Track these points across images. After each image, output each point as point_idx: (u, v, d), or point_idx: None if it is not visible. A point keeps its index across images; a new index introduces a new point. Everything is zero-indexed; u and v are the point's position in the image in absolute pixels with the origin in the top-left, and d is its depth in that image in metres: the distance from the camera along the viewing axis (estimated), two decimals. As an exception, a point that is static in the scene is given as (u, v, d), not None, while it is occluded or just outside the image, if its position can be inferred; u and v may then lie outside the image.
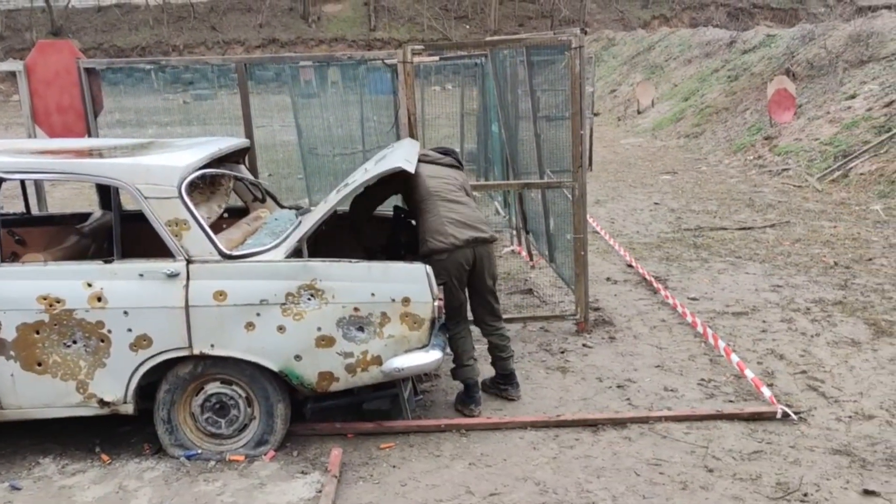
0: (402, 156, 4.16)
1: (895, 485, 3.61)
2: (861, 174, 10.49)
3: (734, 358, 4.97)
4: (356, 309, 3.78)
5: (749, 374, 4.73)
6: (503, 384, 4.65)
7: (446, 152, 4.80)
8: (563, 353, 5.30)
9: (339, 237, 4.93)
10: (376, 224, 4.96)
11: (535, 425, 4.24)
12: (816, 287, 6.53)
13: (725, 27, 27.26)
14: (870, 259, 7.28)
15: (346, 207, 4.58)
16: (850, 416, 4.29)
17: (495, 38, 12.37)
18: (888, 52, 13.28)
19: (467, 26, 42.09)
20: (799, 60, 15.54)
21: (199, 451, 3.93)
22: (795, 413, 4.29)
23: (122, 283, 3.74)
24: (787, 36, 17.67)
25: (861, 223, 8.70)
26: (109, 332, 3.73)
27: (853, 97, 12.72)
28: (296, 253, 3.97)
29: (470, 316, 4.63)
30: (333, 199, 4.02)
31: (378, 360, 3.84)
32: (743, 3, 42.10)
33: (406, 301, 3.81)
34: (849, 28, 14.81)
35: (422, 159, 4.59)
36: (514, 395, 4.60)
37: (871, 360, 5.03)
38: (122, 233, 3.92)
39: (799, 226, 8.73)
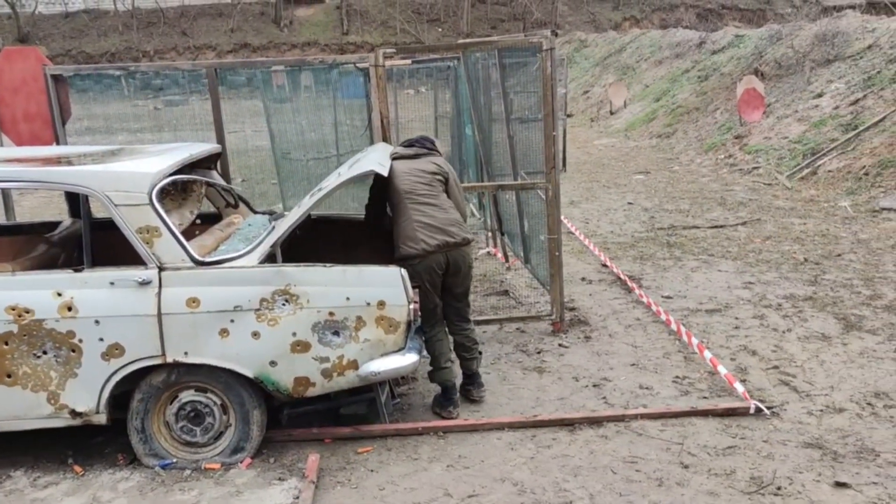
0: (376, 159, 4.17)
1: (866, 476, 3.67)
2: (829, 171, 10.66)
3: (707, 355, 5.02)
4: (331, 313, 3.77)
5: (722, 370, 4.79)
6: (466, 384, 4.66)
7: (412, 143, 4.72)
8: (539, 353, 5.32)
9: (314, 242, 4.91)
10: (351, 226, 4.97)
11: (513, 426, 4.26)
12: (787, 283, 6.63)
13: (695, 28, 27.56)
14: (839, 255, 7.40)
15: (320, 212, 4.57)
16: (821, 410, 4.35)
17: (467, 40, 12.40)
18: (853, 52, 13.52)
19: (440, 29, 42.16)
20: (767, 60, 15.76)
21: (175, 461, 3.89)
22: (768, 408, 4.34)
23: (93, 292, 3.70)
24: (756, 36, 17.91)
25: (830, 220, 8.84)
26: (80, 341, 3.68)
27: (820, 96, 12.93)
28: (270, 258, 3.95)
29: None
30: (307, 204, 4.01)
31: (354, 365, 3.83)
32: (711, 4, 42.61)
33: (381, 304, 3.81)
34: (815, 28, 15.04)
35: (393, 157, 4.58)
36: (476, 396, 4.60)
37: (841, 354, 5.12)
38: (93, 241, 3.88)
39: (770, 223, 8.85)
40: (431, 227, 4.30)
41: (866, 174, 9.99)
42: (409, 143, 4.71)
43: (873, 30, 13.79)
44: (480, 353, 4.74)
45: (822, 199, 9.84)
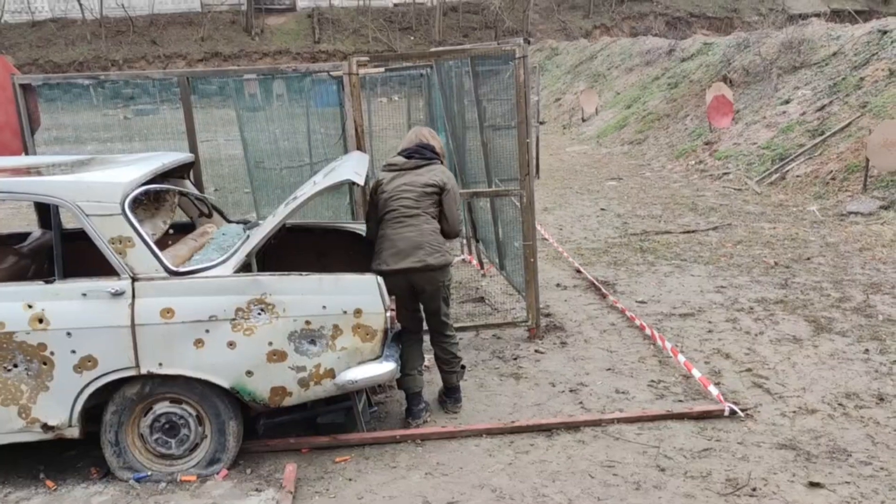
0: (352, 168, 4.16)
1: (838, 476, 3.73)
2: (797, 176, 10.84)
3: (682, 358, 5.08)
4: (308, 322, 3.75)
5: (697, 373, 4.84)
6: (444, 396, 4.66)
7: (410, 154, 4.52)
8: (515, 359, 5.34)
9: (289, 250, 4.89)
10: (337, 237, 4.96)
11: (491, 432, 4.26)
12: (758, 287, 6.72)
13: (664, 36, 27.92)
14: (808, 258, 7.52)
15: (294, 220, 4.55)
16: (793, 412, 4.42)
17: (440, 48, 12.44)
18: (819, 59, 13.78)
19: (412, 37, 42.25)
20: (735, 67, 16.01)
21: (149, 473, 3.84)
22: (742, 410, 4.40)
23: (65, 304, 3.64)
24: (724, 44, 18.18)
25: (799, 224, 8.99)
26: (52, 354, 3.63)
27: (787, 102, 13.16)
28: (245, 267, 3.93)
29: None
30: (282, 213, 3.98)
31: (331, 373, 3.82)
32: (680, 13, 43.20)
33: (358, 312, 3.80)
34: (781, 36, 15.30)
35: (385, 168, 4.54)
36: (451, 409, 4.58)
37: (812, 356, 5.20)
38: (64, 252, 3.82)
39: (740, 228, 8.97)
40: (397, 249, 4.26)
41: (833, 179, 10.18)
42: (409, 154, 4.52)
43: (838, 37, 14.08)
44: (463, 367, 4.70)
45: (791, 204, 10.00)
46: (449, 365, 4.57)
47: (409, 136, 4.71)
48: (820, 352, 5.25)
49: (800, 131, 11.93)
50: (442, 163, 4.62)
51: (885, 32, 12.84)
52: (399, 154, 4.59)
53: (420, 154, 4.52)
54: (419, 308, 4.50)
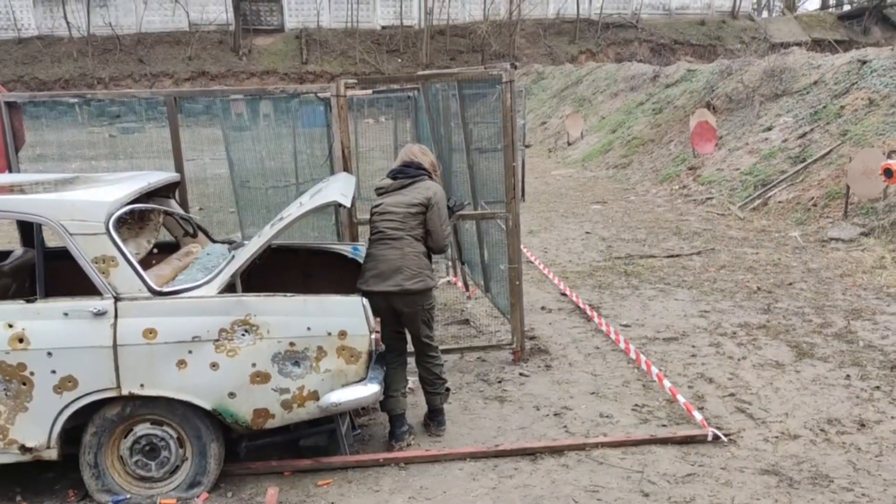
0: (339, 189, 4.16)
1: (820, 502, 3.74)
2: (780, 202, 10.96)
3: (666, 383, 5.09)
4: (292, 343, 3.73)
5: (681, 398, 4.85)
6: (428, 418, 4.64)
7: (395, 174, 4.53)
8: (500, 382, 5.33)
9: (274, 271, 4.87)
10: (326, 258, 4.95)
11: (475, 456, 4.24)
12: (741, 312, 6.76)
13: (649, 62, 28.24)
14: (790, 284, 7.59)
15: (280, 241, 4.54)
16: (776, 437, 4.43)
17: (427, 71, 12.53)
18: (800, 87, 13.99)
19: (399, 60, 42.48)
20: (718, 94, 16.22)
21: (129, 496, 3.79)
22: (725, 435, 4.41)
23: (46, 323, 3.61)
24: (707, 71, 18.42)
25: (781, 249, 9.07)
26: (32, 374, 3.58)
27: (770, 129, 13.33)
28: (229, 288, 3.91)
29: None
30: (268, 234, 3.97)
31: (315, 396, 3.79)
32: (664, 40, 43.75)
33: (342, 334, 3.78)
34: (763, 64, 15.53)
35: (376, 191, 4.57)
36: (434, 432, 4.56)
37: (795, 381, 5.22)
38: (46, 271, 3.79)
39: (723, 253, 9.04)
40: (378, 270, 4.29)
41: (815, 205, 10.30)
42: (394, 175, 4.54)
43: (818, 66, 14.30)
44: (448, 389, 4.69)
45: (774, 230, 10.10)
46: (433, 386, 4.55)
47: (399, 156, 4.74)
48: (802, 377, 5.28)
49: (782, 158, 12.08)
50: (433, 177, 4.61)
51: (864, 62, 13.07)
52: (387, 176, 4.62)
53: (404, 173, 4.52)
54: (402, 329, 4.50)
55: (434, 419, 4.60)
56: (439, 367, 4.58)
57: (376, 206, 4.50)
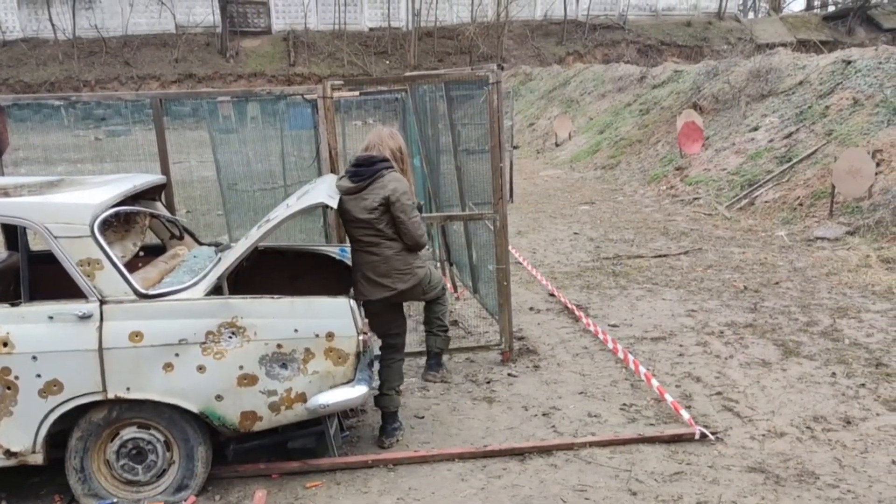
0: (325, 191, 4.15)
1: (807, 499, 3.76)
2: (766, 202, 11.02)
3: (654, 382, 5.11)
4: (279, 345, 3.73)
5: (668, 397, 4.87)
6: (427, 365, 5.37)
7: (350, 175, 4.32)
8: (488, 383, 5.34)
9: (261, 273, 4.86)
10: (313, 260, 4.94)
11: (463, 457, 4.24)
12: (728, 311, 6.80)
13: (636, 63, 28.34)
14: (776, 283, 7.63)
15: (266, 243, 4.52)
16: (763, 435, 4.46)
17: (415, 73, 12.52)
18: (785, 87, 14.09)
19: (387, 61, 42.46)
20: (705, 95, 16.30)
21: (115, 500, 3.77)
22: (713, 433, 4.43)
23: (31, 327, 3.58)
24: (694, 72, 18.52)
25: (767, 248, 9.13)
26: (16, 378, 3.55)
27: (756, 129, 13.41)
28: (216, 290, 3.89)
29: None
30: (255, 236, 3.96)
31: (302, 397, 3.78)
32: (651, 41, 43.93)
33: (330, 336, 3.78)
34: (749, 64, 15.63)
35: (338, 189, 4.37)
36: (427, 377, 5.32)
37: (781, 379, 5.26)
38: (31, 274, 3.76)
39: (710, 252, 9.09)
40: (368, 279, 4.31)
41: (801, 205, 10.37)
42: (351, 175, 4.32)
43: (804, 67, 14.41)
44: (448, 337, 5.26)
45: (760, 229, 10.16)
46: (431, 325, 5.08)
47: (366, 140, 4.48)
48: (788, 375, 5.32)
49: (768, 157, 12.15)
50: (400, 166, 4.41)
51: (849, 63, 13.18)
52: (345, 172, 4.41)
53: (359, 175, 4.27)
54: (402, 329, 4.60)
55: (430, 365, 5.36)
56: (444, 312, 5.06)
57: (343, 211, 4.32)
